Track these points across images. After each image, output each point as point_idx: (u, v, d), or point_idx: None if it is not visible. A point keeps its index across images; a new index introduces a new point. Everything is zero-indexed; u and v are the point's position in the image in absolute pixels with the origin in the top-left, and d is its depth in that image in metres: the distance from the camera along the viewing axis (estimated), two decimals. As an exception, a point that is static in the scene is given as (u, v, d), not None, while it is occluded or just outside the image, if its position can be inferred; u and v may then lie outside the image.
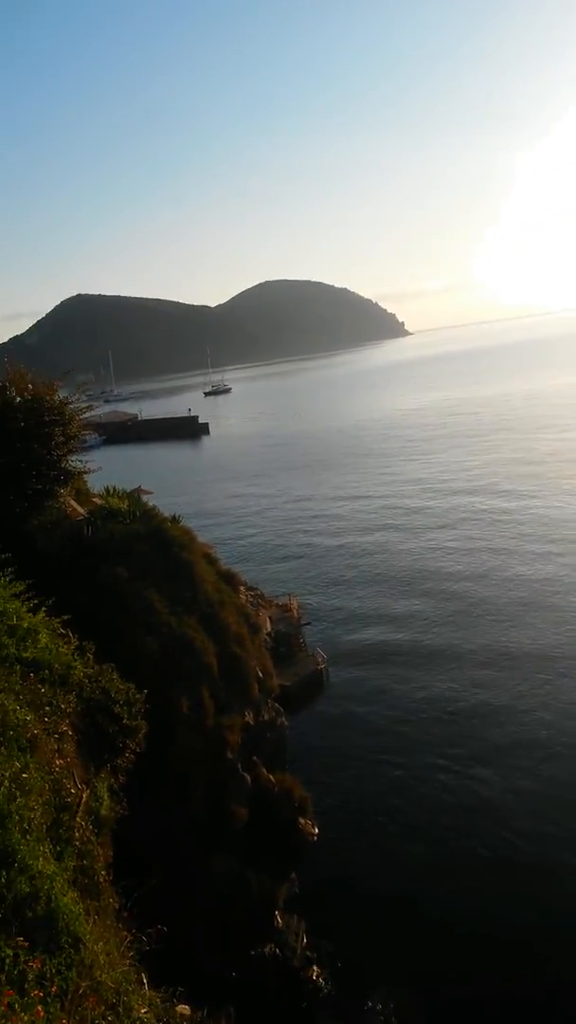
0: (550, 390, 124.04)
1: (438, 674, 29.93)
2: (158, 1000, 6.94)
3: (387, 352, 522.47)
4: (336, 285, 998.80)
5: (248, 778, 16.62)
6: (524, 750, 23.95)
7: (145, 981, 7.12)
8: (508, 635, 32.44)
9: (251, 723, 17.58)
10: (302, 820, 17.80)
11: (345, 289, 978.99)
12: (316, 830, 18.23)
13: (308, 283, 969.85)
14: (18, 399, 17.46)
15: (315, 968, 17.23)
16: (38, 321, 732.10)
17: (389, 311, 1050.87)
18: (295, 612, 36.55)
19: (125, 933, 7.48)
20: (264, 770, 17.60)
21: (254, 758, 17.40)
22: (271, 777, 17.70)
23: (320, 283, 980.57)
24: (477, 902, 18.39)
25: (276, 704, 20.02)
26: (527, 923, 17.49)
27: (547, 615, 33.91)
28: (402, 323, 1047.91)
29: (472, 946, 17.19)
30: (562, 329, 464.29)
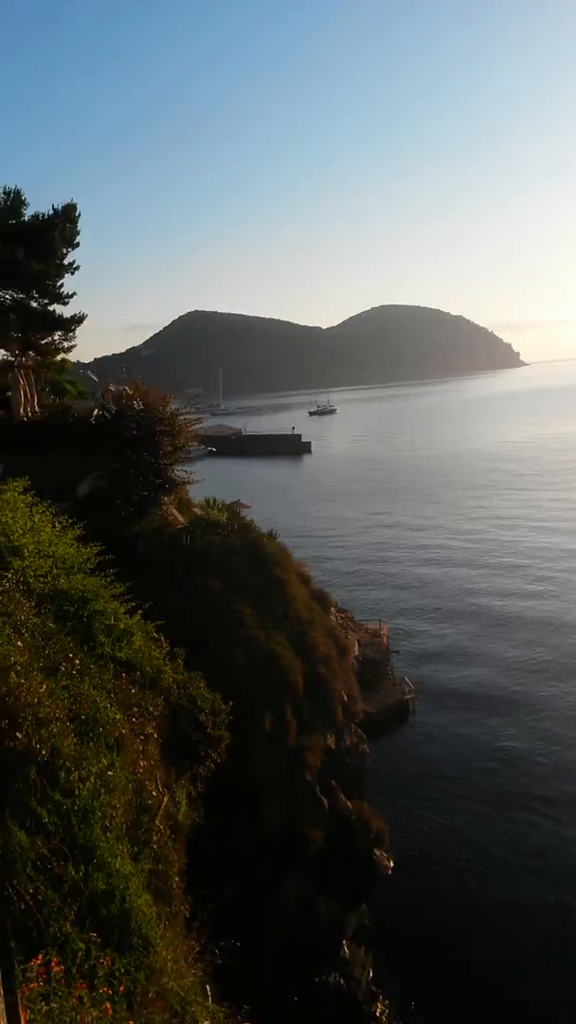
0: None
1: (528, 722, 28.66)
2: (221, 1015, 6.90)
3: (500, 382, 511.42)
4: (451, 312, 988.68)
5: (326, 802, 16.42)
6: None
7: (210, 994, 7.10)
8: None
9: (332, 747, 17.41)
10: (377, 851, 17.42)
11: (461, 317, 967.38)
12: (391, 863, 17.81)
13: (423, 309, 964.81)
14: (134, 408, 18.21)
15: (379, 1004, 16.71)
16: (155, 334, 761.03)
17: (505, 340, 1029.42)
18: (385, 639, 36.02)
19: (194, 943, 7.49)
20: (342, 796, 17.35)
21: (333, 782, 17.19)
22: (349, 804, 17.43)
23: (436, 309, 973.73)
24: (551, 952, 17.43)
25: (359, 730, 19.75)
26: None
27: None
28: (517, 353, 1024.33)
29: (542, 999, 16.30)
30: None
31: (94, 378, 29.43)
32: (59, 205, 27.61)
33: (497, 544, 55.02)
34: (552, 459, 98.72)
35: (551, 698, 30.33)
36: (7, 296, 27.46)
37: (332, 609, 30.94)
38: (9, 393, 20.56)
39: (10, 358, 24.80)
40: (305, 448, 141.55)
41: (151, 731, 9.40)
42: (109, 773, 7.35)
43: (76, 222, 28.33)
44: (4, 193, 26.88)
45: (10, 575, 9.66)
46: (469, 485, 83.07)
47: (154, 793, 8.47)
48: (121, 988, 5.50)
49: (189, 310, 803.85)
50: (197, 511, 20.75)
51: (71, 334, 29.70)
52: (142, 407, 18.25)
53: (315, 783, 16.13)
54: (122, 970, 5.71)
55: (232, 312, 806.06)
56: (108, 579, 11.35)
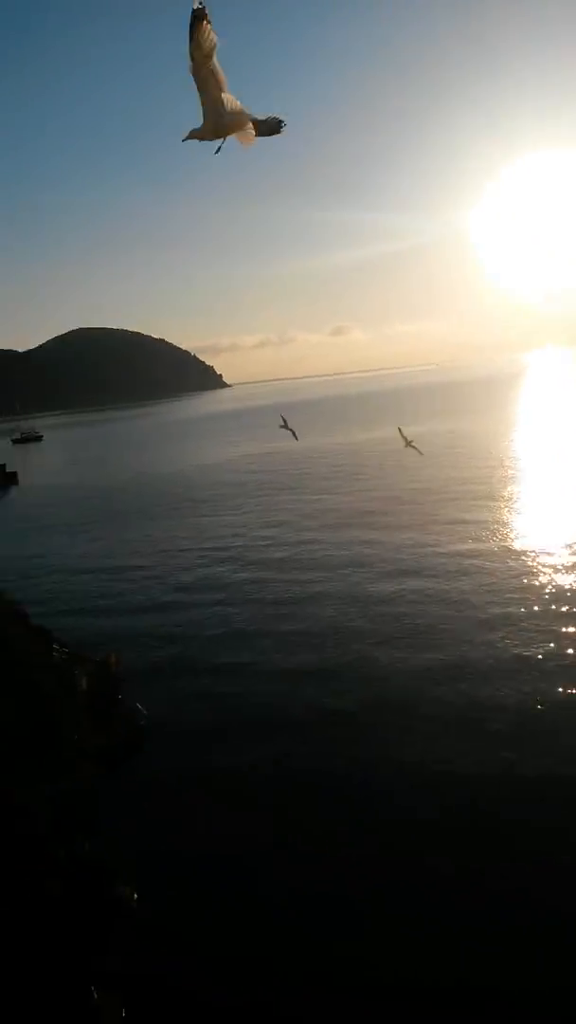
0: (334, 447, 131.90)
1: (262, 738, 29.62)
2: None
3: (205, 404, 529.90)
4: (153, 335, 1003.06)
5: (59, 848, 15.71)
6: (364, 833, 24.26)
7: None
8: (328, 692, 33.41)
9: (62, 788, 16.71)
10: (120, 888, 17.07)
11: (163, 340, 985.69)
12: (136, 896, 17.53)
13: (125, 332, 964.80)
14: None
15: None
16: None
17: (207, 363, 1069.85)
18: (114, 669, 35.29)
19: None
20: (78, 836, 16.73)
21: (65, 825, 16.50)
22: (86, 844, 16.86)
23: (137, 332, 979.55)
24: (303, 981, 18.04)
25: (92, 766, 19.21)
26: None
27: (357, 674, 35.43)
28: (220, 375, 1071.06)
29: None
30: (363, 388, 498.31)
31: None
32: None
33: (221, 560, 56.94)
34: (256, 474, 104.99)
35: (283, 708, 31.38)
36: None
37: (55, 645, 29.60)
38: None
39: None
40: (11, 479, 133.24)
41: None
42: None
43: None
44: None
45: None
46: (185, 504, 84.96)
47: None
48: None
49: None
50: None
51: None
52: None
53: (44, 829, 15.35)
54: None
55: None
56: None
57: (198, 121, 8.13)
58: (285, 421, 42.23)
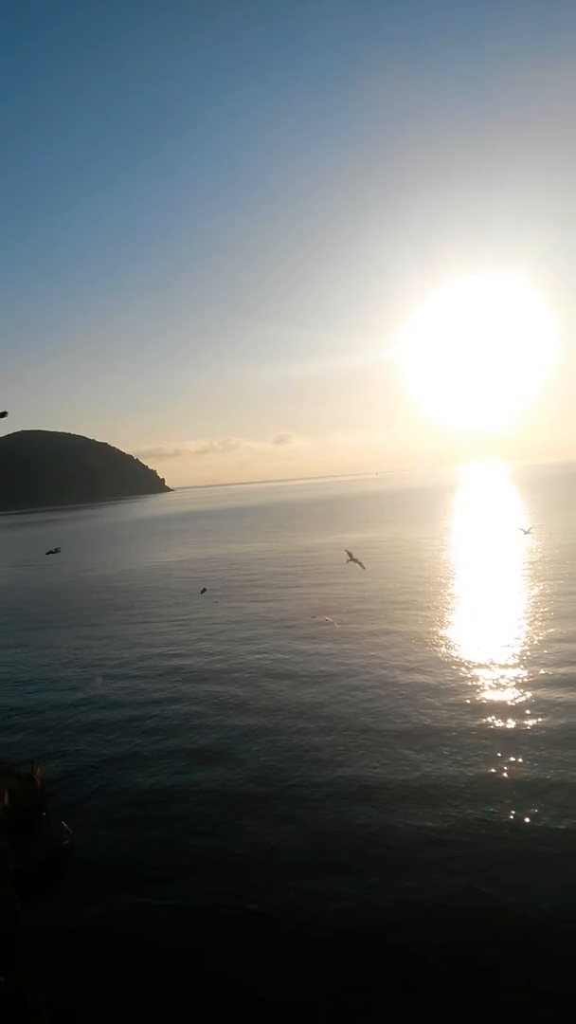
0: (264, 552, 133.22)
1: (192, 865, 28.40)
2: None
3: (147, 507, 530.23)
4: (97, 439, 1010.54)
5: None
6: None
7: None
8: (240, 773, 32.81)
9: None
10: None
11: (106, 443, 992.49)
12: (50, 1032, 16.47)
13: (68, 435, 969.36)
14: None
15: None
16: None
17: (150, 467, 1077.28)
18: (38, 782, 33.88)
19: None
20: (-8, 968, 15.82)
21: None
22: (1, 977, 15.91)
23: (80, 436, 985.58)
24: None
25: (11, 889, 18.31)
26: None
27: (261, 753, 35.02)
28: (162, 480, 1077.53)
29: None
30: (307, 494, 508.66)
31: None
32: None
33: (149, 670, 55.96)
34: (188, 579, 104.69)
35: (211, 837, 30.30)
36: None
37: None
38: None
39: None
40: None
41: None
42: None
43: None
44: None
45: None
46: (118, 611, 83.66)
47: None
48: None
49: None
50: None
51: None
52: None
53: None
54: None
55: None
56: None
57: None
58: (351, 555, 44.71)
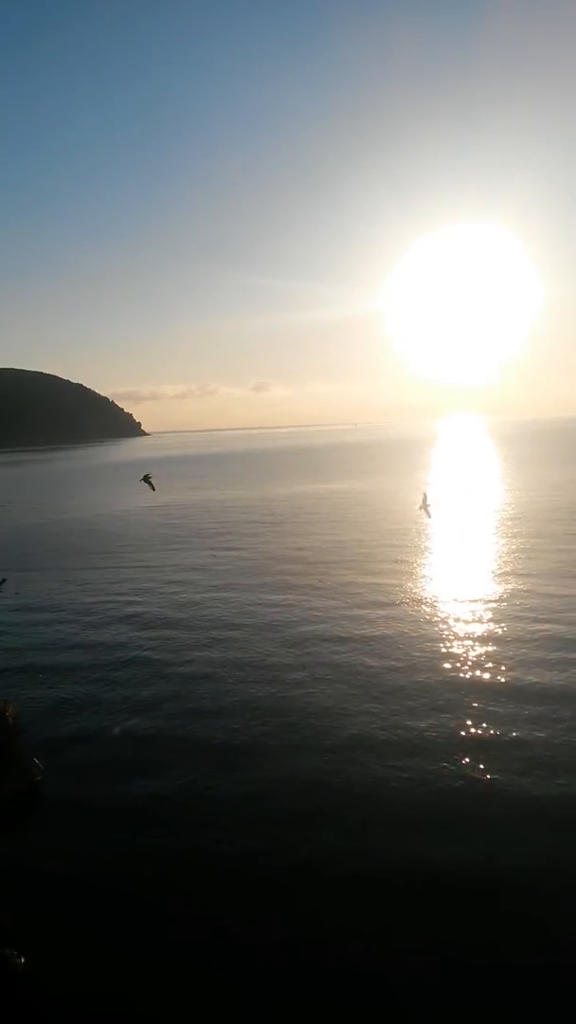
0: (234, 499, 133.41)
1: (166, 779, 29.38)
2: None
3: (124, 450, 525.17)
4: (72, 380, 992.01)
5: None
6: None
7: None
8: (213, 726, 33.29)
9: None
10: (6, 951, 16.36)
11: (81, 385, 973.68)
12: (22, 960, 16.83)
13: (41, 375, 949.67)
14: None
15: None
16: None
17: (126, 411, 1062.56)
18: (11, 719, 33.97)
19: None
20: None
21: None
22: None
23: (54, 376, 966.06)
24: None
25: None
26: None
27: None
28: (139, 423, 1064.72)
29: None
30: (286, 442, 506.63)
31: None
32: None
33: (125, 615, 56.06)
34: (166, 524, 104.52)
35: (185, 785, 30.81)
36: None
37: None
38: None
39: None
40: None
41: None
42: None
43: None
44: None
45: None
46: (93, 555, 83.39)
47: None
48: None
49: None
50: None
51: None
52: None
53: None
54: None
55: None
56: None
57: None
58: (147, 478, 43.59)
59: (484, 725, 32.60)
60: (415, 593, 57.41)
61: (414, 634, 46.47)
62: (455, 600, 54.60)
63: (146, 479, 45.82)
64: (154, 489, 49.46)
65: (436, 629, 47.46)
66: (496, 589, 57.30)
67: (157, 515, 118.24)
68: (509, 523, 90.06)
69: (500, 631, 46.10)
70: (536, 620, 47.98)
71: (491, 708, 34.36)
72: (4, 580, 40.41)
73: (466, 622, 48.84)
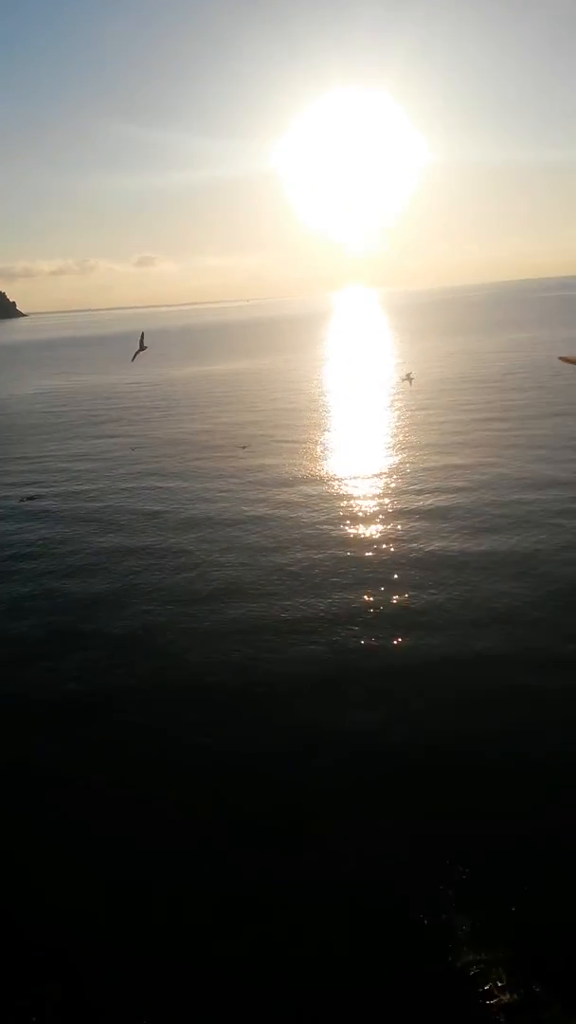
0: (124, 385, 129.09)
1: (104, 669, 28.81)
2: None
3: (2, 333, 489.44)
4: None
5: None
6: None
7: None
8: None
9: None
10: None
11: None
12: None
13: None
14: None
15: None
16: None
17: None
18: None
19: None
20: None
21: None
22: None
23: None
24: None
25: None
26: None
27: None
28: (14, 303, 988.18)
29: None
30: (174, 322, 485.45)
31: None
32: None
33: (24, 511, 53.84)
34: (64, 410, 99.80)
35: (123, 676, 30.51)
36: None
37: None
38: None
39: None
40: None
41: None
42: None
43: None
44: None
45: None
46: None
47: None
48: None
49: None
50: None
51: None
52: None
53: None
54: None
55: None
56: None
57: None
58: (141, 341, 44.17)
59: (380, 594, 33.99)
60: (310, 471, 57.84)
61: (307, 512, 47.13)
62: (350, 477, 55.45)
63: (141, 343, 46.99)
64: (142, 348, 50.14)
65: (330, 505, 48.27)
66: (386, 463, 58.56)
67: (41, 402, 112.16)
68: (401, 396, 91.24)
69: (391, 504, 47.50)
70: (421, 492, 49.70)
71: (385, 577, 35.77)
72: None
73: (358, 498, 49.87)
